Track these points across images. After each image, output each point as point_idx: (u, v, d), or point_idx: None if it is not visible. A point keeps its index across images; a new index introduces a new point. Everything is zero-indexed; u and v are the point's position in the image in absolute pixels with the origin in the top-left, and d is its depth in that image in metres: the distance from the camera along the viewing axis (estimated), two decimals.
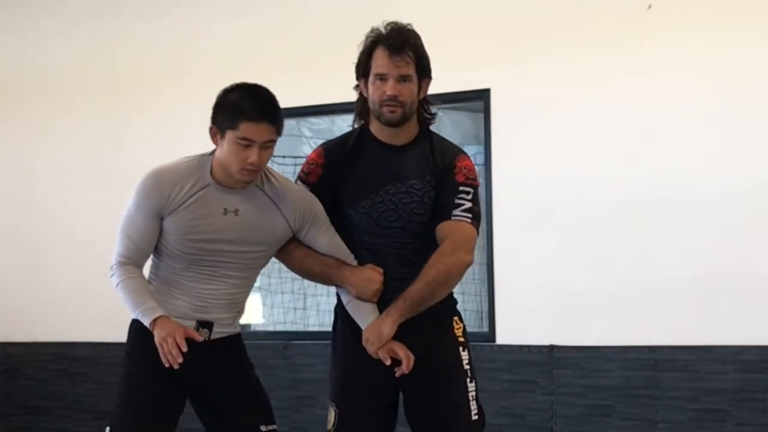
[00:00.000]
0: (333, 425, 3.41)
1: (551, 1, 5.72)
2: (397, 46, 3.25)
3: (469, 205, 3.32)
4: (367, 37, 3.32)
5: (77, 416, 6.85)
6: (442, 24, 5.67)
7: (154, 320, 3.19)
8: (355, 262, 3.37)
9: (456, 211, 3.30)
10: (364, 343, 3.27)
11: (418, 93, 3.32)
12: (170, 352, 3.12)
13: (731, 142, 5.35)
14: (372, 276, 3.31)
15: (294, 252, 3.40)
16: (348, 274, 3.33)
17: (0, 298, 7.02)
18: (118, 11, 6.74)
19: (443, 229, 3.30)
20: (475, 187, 3.36)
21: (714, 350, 5.36)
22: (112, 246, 3.34)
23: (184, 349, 3.12)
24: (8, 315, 6.98)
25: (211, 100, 3.24)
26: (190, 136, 6.12)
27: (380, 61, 3.26)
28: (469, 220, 3.31)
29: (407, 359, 3.23)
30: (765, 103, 5.29)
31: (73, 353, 6.85)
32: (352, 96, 3.43)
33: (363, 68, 3.33)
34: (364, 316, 3.32)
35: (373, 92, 3.30)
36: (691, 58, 5.41)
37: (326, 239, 3.36)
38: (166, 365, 3.15)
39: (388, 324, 3.23)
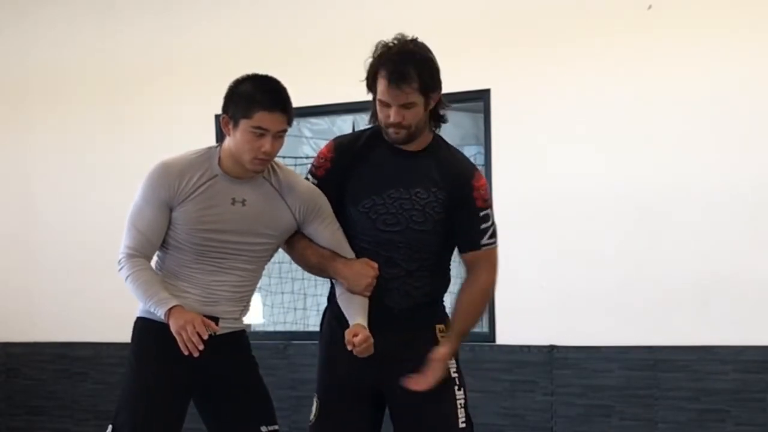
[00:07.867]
0: (314, 416, 3.43)
1: (551, 2, 5.72)
2: (398, 77, 3.17)
3: (492, 229, 3.38)
4: (374, 51, 3.26)
5: (77, 416, 6.85)
6: (442, 24, 5.66)
7: (169, 310, 3.18)
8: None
9: (484, 240, 3.36)
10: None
11: (426, 108, 3.28)
12: (190, 340, 3.10)
13: (731, 143, 5.35)
14: (364, 270, 3.31)
15: (297, 243, 3.41)
16: (340, 267, 3.33)
17: (0, 298, 7.02)
18: (117, 10, 6.74)
19: (478, 259, 3.37)
20: (491, 206, 3.41)
21: (714, 350, 5.36)
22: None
23: (205, 336, 3.12)
24: (8, 315, 6.98)
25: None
26: (190, 136, 6.18)
27: (382, 88, 3.22)
28: (495, 245, 3.40)
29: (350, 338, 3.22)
30: (766, 104, 5.29)
31: (73, 353, 6.85)
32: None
33: (370, 86, 3.28)
34: (353, 310, 3.31)
35: (378, 112, 3.29)
36: (691, 58, 5.40)
37: (329, 233, 3.37)
38: (186, 353, 3.13)
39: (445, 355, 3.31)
